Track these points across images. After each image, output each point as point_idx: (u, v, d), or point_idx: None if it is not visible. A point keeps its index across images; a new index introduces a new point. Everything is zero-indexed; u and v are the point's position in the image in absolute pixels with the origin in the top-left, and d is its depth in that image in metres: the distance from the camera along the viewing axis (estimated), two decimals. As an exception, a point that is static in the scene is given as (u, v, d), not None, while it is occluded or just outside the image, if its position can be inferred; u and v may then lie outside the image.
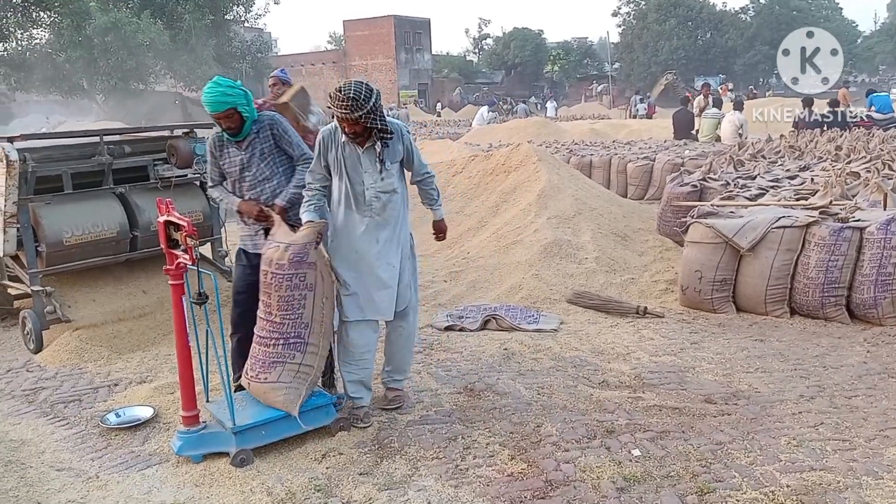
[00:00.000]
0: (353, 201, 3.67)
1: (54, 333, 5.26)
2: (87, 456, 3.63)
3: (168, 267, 3.50)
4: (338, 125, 3.59)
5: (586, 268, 6.54)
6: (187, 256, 3.42)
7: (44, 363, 5.00)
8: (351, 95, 3.39)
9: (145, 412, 3.98)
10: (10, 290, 5.88)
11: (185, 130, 6.31)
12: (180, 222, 3.45)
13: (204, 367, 3.57)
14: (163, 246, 3.55)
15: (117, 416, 3.96)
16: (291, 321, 3.49)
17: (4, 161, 5.02)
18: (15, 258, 5.47)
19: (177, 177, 5.94)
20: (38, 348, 5.20)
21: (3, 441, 3.67)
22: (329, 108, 3.52)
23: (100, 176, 5.69)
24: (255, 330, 3.62)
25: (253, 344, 3.62)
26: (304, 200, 3.69)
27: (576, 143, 15.33)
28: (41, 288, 5.16)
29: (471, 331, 5.31)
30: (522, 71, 60.76)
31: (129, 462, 3.54)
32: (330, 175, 3.72)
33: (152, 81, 32.53)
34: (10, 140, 5.20)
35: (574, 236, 7.10)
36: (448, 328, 5.39)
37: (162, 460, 3.52)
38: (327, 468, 3.36)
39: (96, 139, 5.77)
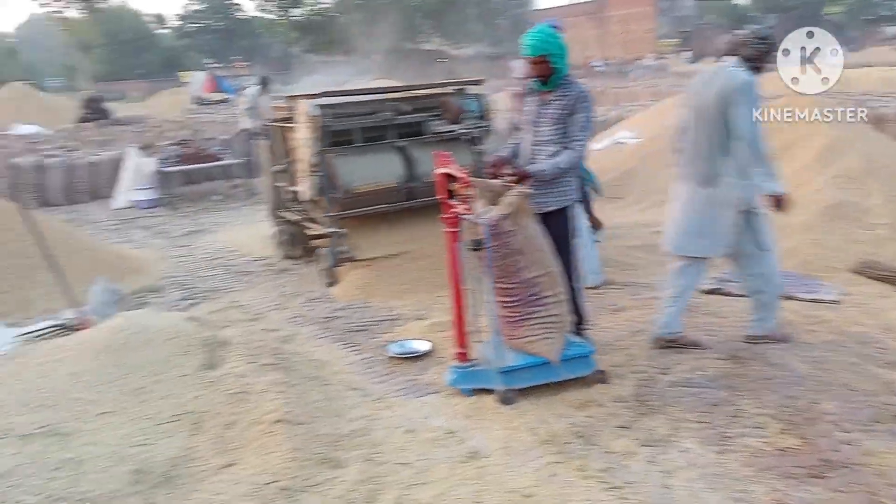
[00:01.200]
0: None
1: (345, 271, 5.94)
2: (374, 380, 4.12)
3: (445, 216, 3.79)
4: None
5: (876, 235, 5.84)
6: (464, 206, 3.68)
7: (336, 296, 5.71)
8: None
9: (423, 346, 4.40)
10: (307, 231, 6.75)
11: (457, 88, 6.68)
12: (458, 174, 3.72)
13: (474, 309, 3.83)
14: (441, 196, 3.84)
15: (400, 346, 4.43)
16: (518, 284, 3.64)
17: (309, 117, 5.73)
18: (313, 203, 6.25)
19: (448, 132, 6.33)
20: (332, 283, 5.93)
21: (310, 359, 4.29)
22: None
23: (382, 131, 6.26)
24: (495, 294, 3.76)
25: (498, 307, 3.77)
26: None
27: (864, 95, 13.49)
28: (336, 230, 5.87)
29: (736, 296, 5.05)
30: (800, 14, 54.12)
31: (408, 389, 3.95)
32: None
33: (421, 41, 34.50)
34: (313, 98, 5.92)
35: (862, 198, 6.34)
36: (711, 291, 5.18)
37: (436, 390, 3.88)
38: (587, 417, 3.47)
39: (381, 97, 6.35)
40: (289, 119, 6.31)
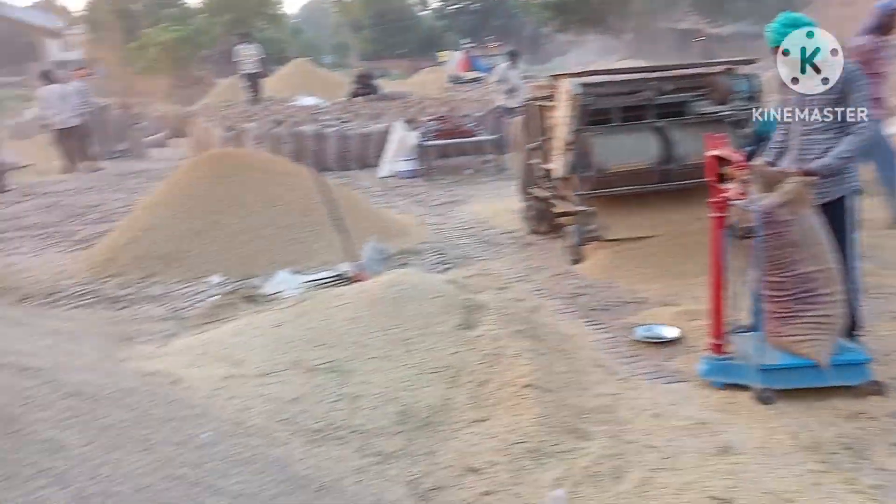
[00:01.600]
0: None
1: (590, 249, 5.96)
2: (619, 360, 4.12)
3: (712, 200, 3.66)
4: None
5: None
6: (735, 191, 3.52)
7: (581, 273, 5.75)
8: None
9: (671, 332, 4.30)
10: (554, 209, 6.84)
11: (727, 67, 6.33)
12: (732, 157, 3.57)
13: (733, 301, 3.67)
14: (710, 179, 3.71)
15: (647, 330, 4.38)
16: (790, 278, 3.41)
17: (570, 95, 5.79)
18: (564, 180, 6.32)
19: (713, 113, 6.05)
20: (577, 260, 5.98)
21: (556, 332, 4.39)
22: None
23: (642, 111, 6.13)
24: (762, 287, 3.57)
25: (764, 301, 3.57)
26: None
27: None
28: (585, 208, 5.90)
29: None
30: None
31: (654, 373, 3.91)
32: None
33: (677, 19, 32.91)
34: (576, 76, 5.96)
35: None
36: None
37: (685, 379, 3.79)
38: (857, 428, 3.19)
39: (643, 76, 6.22)
40: (548, 97, 6.42)
